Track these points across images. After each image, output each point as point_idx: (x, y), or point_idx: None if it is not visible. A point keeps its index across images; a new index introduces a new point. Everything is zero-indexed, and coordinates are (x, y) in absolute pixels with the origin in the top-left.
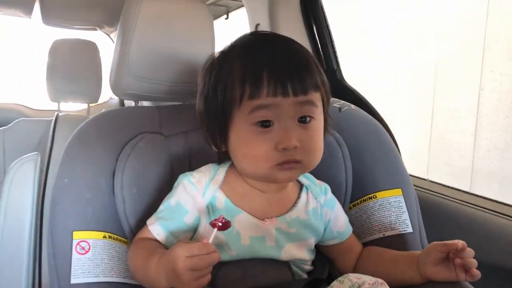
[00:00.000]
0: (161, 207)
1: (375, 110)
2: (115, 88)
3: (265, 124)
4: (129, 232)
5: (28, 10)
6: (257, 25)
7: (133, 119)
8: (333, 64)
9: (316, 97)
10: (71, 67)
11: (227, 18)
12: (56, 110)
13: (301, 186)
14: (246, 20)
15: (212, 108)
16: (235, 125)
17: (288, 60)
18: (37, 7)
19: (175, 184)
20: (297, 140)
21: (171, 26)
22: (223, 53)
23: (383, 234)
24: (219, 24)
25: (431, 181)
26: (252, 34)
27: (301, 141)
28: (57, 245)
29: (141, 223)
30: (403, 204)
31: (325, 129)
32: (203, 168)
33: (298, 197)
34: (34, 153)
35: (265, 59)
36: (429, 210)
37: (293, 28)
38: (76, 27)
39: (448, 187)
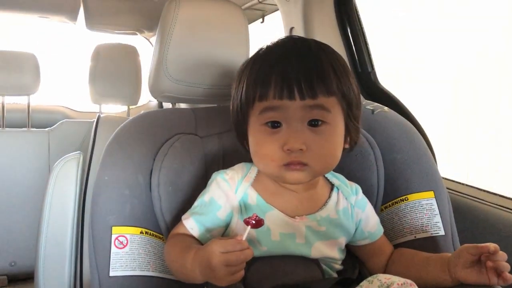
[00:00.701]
0: (196, 203)
1: (410, 112)
2: (153, 91)
3: (275, 125)
4: (164, 229)
5: (73, 16)
6: (292, 28)
7: (170, 121)
8: (367, 67)
9: (328, 102)
10: (112, 71)
11: (262, 21)
12: (97, 112)
13: (332, 186)
14: (281, 24)
15: (236, 109)
16: (250, 124)
17: (299, 65)
18: (81, 13)
19: (209, 182)
20: (304, 143)
21: (207, 30)
22: (250, 57)
23: (415, 237)
24: (255, 28)
25: (467, 185)
26: (282, 39)
27: (309, 145)
28: (97, 239)
29: (176, 220)
30: (435, 206)
31: (350, 135)
32: (236, 167)
33: (329, 197)
34: (76, 152)
35: (277, 63)
36: (463, 213)
37: (327, 31)
38: (118, 32)
39: (483, 190)
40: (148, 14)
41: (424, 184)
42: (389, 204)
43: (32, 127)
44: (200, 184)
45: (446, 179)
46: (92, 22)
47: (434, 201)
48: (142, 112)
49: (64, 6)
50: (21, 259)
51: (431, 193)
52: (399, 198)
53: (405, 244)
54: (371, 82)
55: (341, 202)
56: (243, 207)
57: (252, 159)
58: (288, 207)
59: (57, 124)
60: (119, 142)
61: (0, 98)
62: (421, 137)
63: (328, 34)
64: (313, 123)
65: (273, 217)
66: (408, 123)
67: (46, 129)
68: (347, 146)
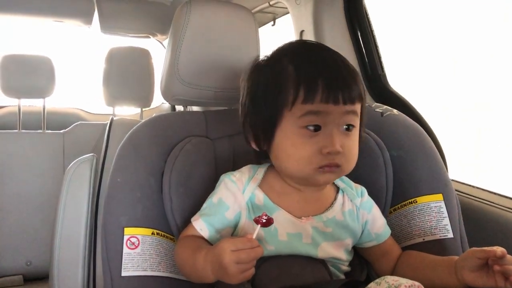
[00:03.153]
0: (204, 205)
1: (420, 115)
2: (165, 94)
3: (315, 128)
4: (175, 230)
5: (88, 19)
6: (302, 31)
7: (181, 124)
8: (378, 69)
9: (359, 107)
10: (125, 73)
11: (273, 24)
12: (111, 114)
13: (337, 189)
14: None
15: (259, 107)
16: (283, 126)
17: (340, 70)
18: (95, 17)
19: (217, 183)
20: (340, 146)
21: (218, 34)
22: (272, 57)
23: (423, 239)
24: (266, 30)
25: (477, 187)
26: (299, 42)
27: (343, 147)
28: (110, 239)
29: (187, 221)
30: (443, 209)
31: (360, 136)
32: (243, 168)
33: (335, 199)
34: (90, 154)
35: (320, 66)
36: (472, 216)
37: (337, 34)
38: (131, 35)
39: (493, 192)
40: (161, 17)
41: (432, 186)
42: (398, 207)
43: (48, 129)
44: (210, 185)
45: (455, 181)
46: (106, 25)
47: (442, 204)
48: (154, 115)
49: (79, 10)
50: (37, 259)
51: (440, 196)
52: (408, 201)
53: (414, 246)
54: (382, 84)
55: (347, 204)
56: (251, 207)
57: (275, 160)
58: (294, 207)
59: (71, 126)
60: (131, 144)
61: (16, 101)
62: (430, 139)
63: (338, 37)
64: (349, 128)
65: (280, 217)
66: (417, 125)
67: (61, 131)
68: None
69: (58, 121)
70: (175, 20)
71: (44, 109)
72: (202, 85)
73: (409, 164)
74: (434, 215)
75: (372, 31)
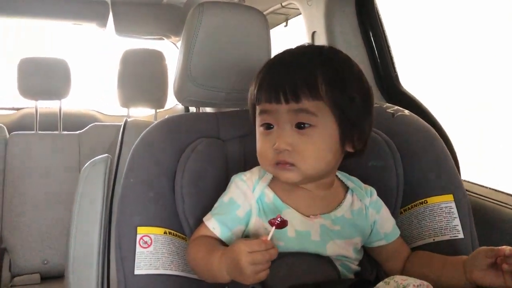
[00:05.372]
0: (216, 204)
1: (433, 116)
2: (178, 95)
3: (268, 126)
4: (187, 229)
5: (103, 22)
6: (314, 32)
7: (193, 125)
8: (390, 70)
9: (313, 106)
10: (140, 75)
11: (286, 25)
12: (125, 116)
13: (347, 188)
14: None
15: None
16: (256, 125)
17: (288, 72)
18: (110, 20)
19: (229, 184)
20: (290, 144)
21: (230, 36)
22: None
23: (433, 239)
24: (280, 31)
25: (489, 188)
26: (290, 48)
27: (295, 146)
28: (123, 239)
29: (199, 221)
30: (454, 210)
31: (351, 139)
32: (253, 169)
33: (344, 198)
34: (105, 155)
35: (270, 70)
36: (483, 216)
37: (349, 35)
38: (145, 37)
39: (505, 193)
40: (174, 19)
41: (443, 187)
42: (408, 207)
43: (64, 130)
44: (221, 186)
45: (466, 181)
46: (121, 28)
47: (453, 204)
48: (167, 116)
49: (94, 13)
50: (53, 258)
51: (450, 196)
52: (418, 201)
53: (424, 247)
54: (394, 85)
55: (356, 203)
56: (261, 206)
57: None
58: (303, 206)
59: (87, 127)
60: (144, 145)
61: (33, 103)
62: (441, 140)
63: (349, 38)
64: (301, 126)
65: (289, 215)
66: (429, 126)
67: (77, 132)
68: (350, 149)
69: (74, 123)
70: (188, 22)
71: (60, 110)
72: (214, 87)
73: (420, 165)
74: (445, 215)
75: (384, 31)
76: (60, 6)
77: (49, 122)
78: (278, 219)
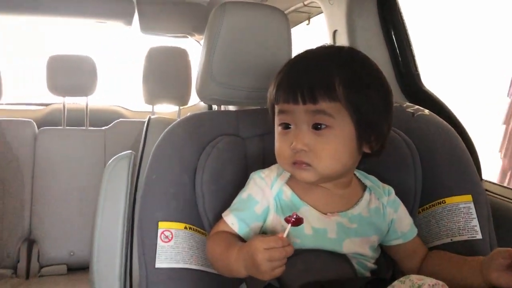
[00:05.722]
0: (235, 200)
1: (454, 116)
2: (200, 94)
3: (287, 126)
4: (207, 225)
5: (128, 20)
6: (335, 31)
7: (214, 123)
8: (411, 69)
9: (331, 107)
10: (164, 73)
11: (308, 23)
12: (150, 112)
13: (365, 187)
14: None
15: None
16: (275, 124)
17: (306, 73)
18: (135, 18)
19: (247, 181)
20: (307, 145)
21: (251, 35)
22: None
23: (451, 240)
24: (302, 29)
25: (510, 188)
26: (311, 48)
27: (312, 146)
28: (145, 233)
29: (218, 217)
30: (472, 210)
31: (368, 141)
32: (272, 166)
33: (361, 196)
34: (128, 151)
35: (290, 70)
36: (503, 217)
37: (370, 34)
38: (169, 35)
39: None
40: (198, 17)
41: (461, 187)
42: (426, 207)
43: (90, 126)
44: (241, 183)
45: (486, 181)
46: (146, 26)
47: (471, 205)
48: (189, 114)
49: (120, 12)
50: (79, 250)
51: (469, 197)
52: (436, 201)
53: (441, 247)
54: (415, 84)
55: (373, 202)
56: (278, 202)
57: None
58: (320, 203)
59: (112, 123)
60: (166, 143)
61: (61, 99)
62: (461, 141)
63: (371, 37)
64: (317, 127)
65: (306, 212)
66: (448, 126)
67: (103, 128)
68: (367, 150)
69: (100, 118)
70: (210, 22)
71: (87, 106)
72: (235, 85)
73: (439, 165)
74: (463, 216)
75: (405, 30)
76: (86, 4)
77: (76, 118)
78: (294, 216)
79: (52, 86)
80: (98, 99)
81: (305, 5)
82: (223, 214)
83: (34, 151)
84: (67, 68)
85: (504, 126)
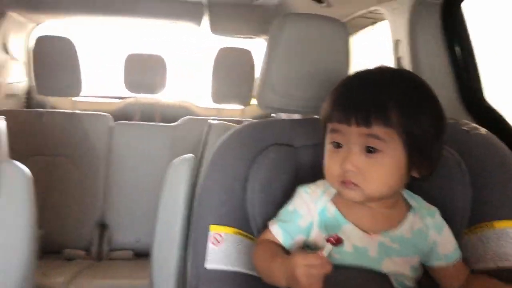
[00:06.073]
0: (281, 211)
1: None
2: (259, 101)
3: (338, 145)
4: (256, 231)
5: (198, 21)
6: (397, 41)
7: (267, 132)
8: (474, 83)
9: (384, 133)
10: (232, 73)
11: (373, 28)
12: (218, 108)
13: (409, 207)
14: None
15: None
16: (325, 140)
17: (363, 95)
18: (206, 18)
19: (294, 194)
20: (356, 166)
21: (310, 46)
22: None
23: (497, 265)
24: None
25: None
26: (368, 69)
27: (361, 168)
28: (197, 235)
29: (267, 223)
30: None
31: (419, 166)
32: (318, 182)
33: (405, 217)
34: (189, 155)
35: (346, 91)
36: None
37: (432, 46)
38: (237, 36)
39: None
40: (266, 19)
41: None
42: (473, 229)
43: (162, 119)
44: (291, 192)
45: None
46: (216, 27)
47: None
48: (246, 122)
49: (190, 13)
50: (145, 237)
51: None
52: (484, 224)
53: (486, 271)
54: (477, 99)
55: (417, 223)
56: (322, 219)
57: None
58: (363, 222)
59: (180, 120)
60: (221, 152)
61: (131, 100)
62: None
63: (433, 49)
64: (369, 150)
65: (349, 230)
66: (505, 147)
67: (172, 124)
68: (416, 175)
69: (171, 113)
70: (271, 33)
71: (157, 103)
72: (293, 95)
73: (490, 186)
74: (511, 241)
75: (470, 43)
76: (159, 6)
77: (149, 112)
78: (335, 237)
79: (129, 84)
80: (170, 94)
81: (370, 12)
82: (270, 223)
83: (110, 142)
84: (142, 67)
85: None
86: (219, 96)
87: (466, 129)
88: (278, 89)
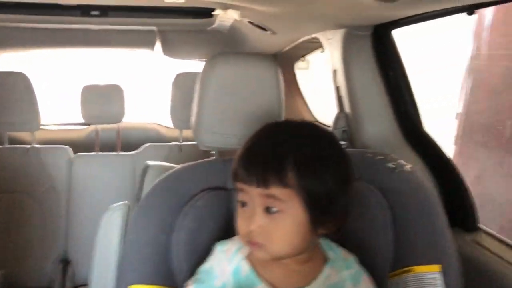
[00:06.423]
0: (199, 269)
1: (452, 163)
2: (196, 140)
3: (242, 203)
4: (182, 286)
5: (151, 47)
6: (335, 71)
7: (199, 175)
8: (408, 108)
9: (282, 193)
10: (188, 98)
11: (322, 51)
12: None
13: (326, 260)
14: None
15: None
16: None
17: (262, 154)
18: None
19: (212, 251)
20: (259, 226)
21: (241, 84)
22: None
23: None
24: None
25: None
26: (272, 125)
27: (264, 228)
28: None
29: None
30: (440, 281)
31: (324, 224)
32: (235, 238)
33: (321, 271)
34: (124, 202)
35: (249, 149)
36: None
37: (367, 74)
38: (190, 59)
39: None
40: (219, 43)
41: (430, 256)
42: (396, 273)
43: (127, 144)
44: (221, 239)
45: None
46: (168, 52)
47: (439, 276)
48: (178, 166)
49: (143, 41)
50: None
51: (437, 267)
52: (405, 269)
53: None
54: (413, 125)
55: (333, 277)
56: (236, 279)
57: None
58: (278, 280)
59: (141, 147)
60: (148, 200)
61: (90, 127)
62: (438, 203)
63: (367, 77)
64: (270, 210)
65: None
66: (428, 187)
67: (132, 152)
68: (323, 231)
69: (136, 136)
70: (202, 74)
71: (118, 132)
72: (227, 133)
73: (410, 229)
74: (430, 287)
75: (403, 69)
76: (113, 36)
77: (113, 139)
78: None
79: (86, 115)
80: (135, 116)
81: (313, 38)
82: (186, 285)
83: (70, 175)
84: (99, 97)
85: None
86: (178, 121)
87: (392, 166)
88: (213, 128)
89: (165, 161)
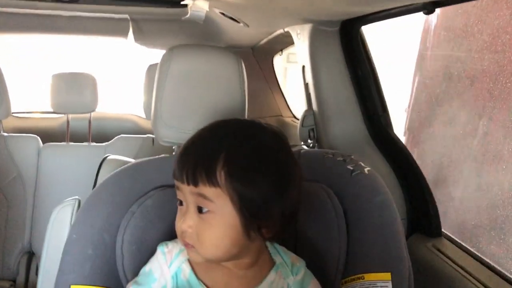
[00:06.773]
0: (141, 271)
1: (416, 165)
2: (156, 135)
3: (180, 202)
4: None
5: (124, 36)
6: (303, 67)
7: (150, 172)
8: (378, 110)
9: (212, 192)
10: None
11: (281, 54)
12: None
13: (274, 264)
14: None
15: None
16: None
17: (195, 152)
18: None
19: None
20: (191, 226)
21: (200, 77)
22: None
23: None
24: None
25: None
26: (215, 123)
27: (194, 228)
28: None
29: None
30: None
31: (260, 228)
32: (178, 239)
33: (265, 277)
34: (73, 198)
35: (186, 146)
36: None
37: (335, 72)
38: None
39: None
40: (194, 34)
41: (381, 264)
42: (348, 280)
43: (104, 134)
44: (169, 239)
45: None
46: (141, 41)
47: (390, 284)
48: (130, 163)
49: (116, 29)
50: None
51: (388, 275)
52: (356, 276)
53: None
54: (381, 126)
55: (278, 283)
56: (176, 282)
57: None
58: (219, 284)
59: (113, 139)
60: (93, 198)
61: (64, 117)
62: (394, 209)
63: (335, 75)
64: (201, 210)
65: None
66: (385, 191)
67: (104, 143)
68: (267, 235)
69: (112, 128)
70: (159, 67)
71: (89, 122)
72: (185, 128)
73: (364, 236)
74: None
75: (373, 69)
76: (86, 23)
77: (87, 130)
78: None
79: (55, 104)
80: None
81: (283, 35)
82: (127, 286)
83: (38, 166)
84: (70, 86)
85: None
86: (149, 111)
87: (350, 168)
88: (171, 123)
89: (137, 154)
